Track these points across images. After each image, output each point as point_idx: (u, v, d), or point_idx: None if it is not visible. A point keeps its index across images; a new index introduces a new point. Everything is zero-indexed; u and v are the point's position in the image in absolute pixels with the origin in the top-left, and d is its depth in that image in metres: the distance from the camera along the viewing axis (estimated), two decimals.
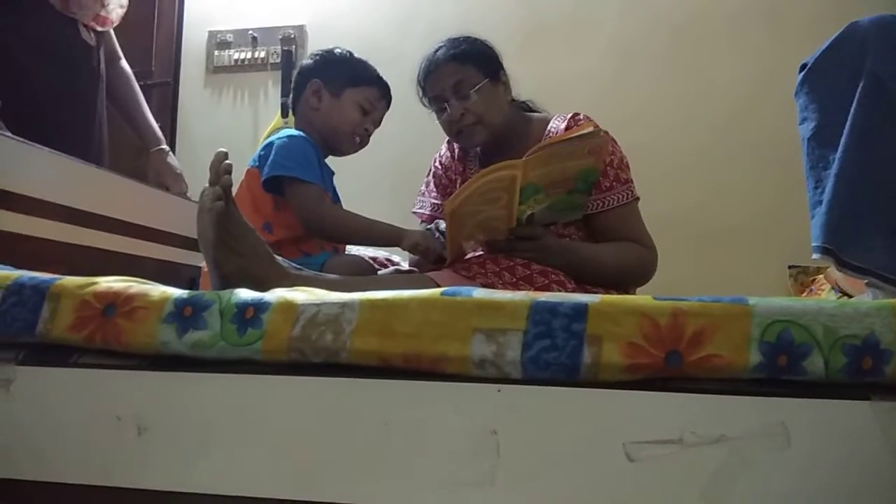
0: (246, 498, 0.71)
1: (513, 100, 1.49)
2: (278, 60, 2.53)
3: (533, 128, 1.45)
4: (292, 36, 2.55)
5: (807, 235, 1.88)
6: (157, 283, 0.84)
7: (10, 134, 1.26)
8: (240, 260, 0.88)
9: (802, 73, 1.04)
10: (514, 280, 1.21)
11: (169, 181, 1.73)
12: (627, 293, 1.39)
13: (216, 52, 2.62)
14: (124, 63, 1.79)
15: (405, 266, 1.39)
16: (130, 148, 1.92)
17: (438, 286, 1.07)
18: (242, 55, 2.59)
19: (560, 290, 1.22)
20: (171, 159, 1.77)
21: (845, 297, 1.79)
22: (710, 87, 2.28)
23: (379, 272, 1.31)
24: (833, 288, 1.98)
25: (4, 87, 1.36)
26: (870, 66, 0.96)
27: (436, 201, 1.56)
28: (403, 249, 1.26)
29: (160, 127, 2.47)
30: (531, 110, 1.54)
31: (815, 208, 1.02)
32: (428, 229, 1.38)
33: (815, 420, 0.61)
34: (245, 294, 0.77)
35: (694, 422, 0.63)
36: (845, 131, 0.97)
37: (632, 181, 1.41)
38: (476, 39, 1.43)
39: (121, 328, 0.77)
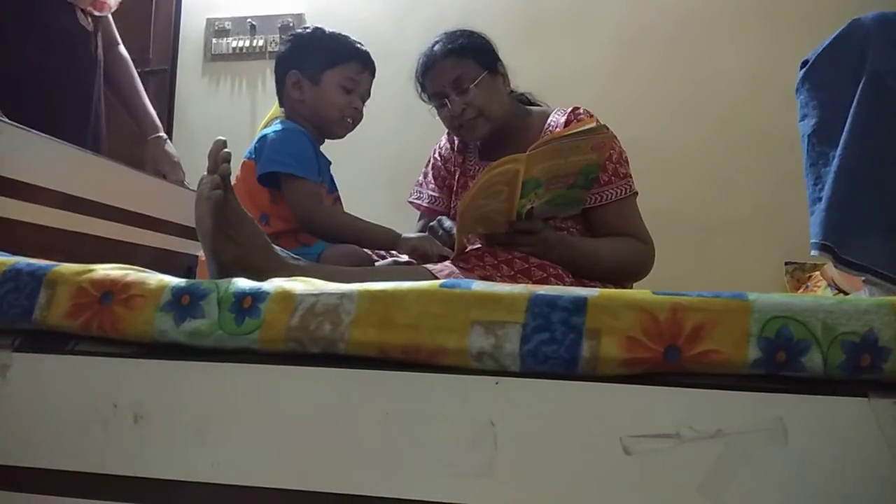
0: (243, 487, 0.71)
1: (511, 92, 1.48)
2: (276, 49, 2.51)
3: (532, 121, 1.45)
4: (291, 24, 2.53)
5: (804, 232, 1.88)
6: (154, 272, 0.83)
7: (6, 119, 1.25)
8: (237, 249, 0.88)
9: (803, 70, 1.04)
10: (513, 273, 1.21)
11: (166, 169, 1.72)
12: (625, 287, 1.39)
13: (214, 40, 2.60)
14: (122, 49, 1.78)
15: (403, 257, 1.38)
16: (128, 134, 1.91)
17: (436, 278, 1.07)
18: (240, 43, 2.58)
19: (558, 284, 1.22)
20: (169, 147, 1.76)
21: (841, 294, 1.80)
22: (710, 82, 2.27)
23: (377, 263, 1.30)
24: (829, 285, 1.98)
25: (0, 72, 1.34)
26: (871, 64, 0.96)
27: (433, 193, 1.56)
28: (400, 254, 1.25)
29: (157, 114, 2.46)
30: (530, 103, 1.54)
31: (814, 205, 1.02)
32: (431, 226, 1.37)
33: (812, 416, 0.61)
34: (243, 283, 0.77)
35: (692, 416, 0.63)
36: (846, 128, 0.97)
37: (630, 176, 1.41)
38: (472, 33, 1.43)
39: (118, 316, 0.76)
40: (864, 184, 0.95)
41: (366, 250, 1.31)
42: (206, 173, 0.87)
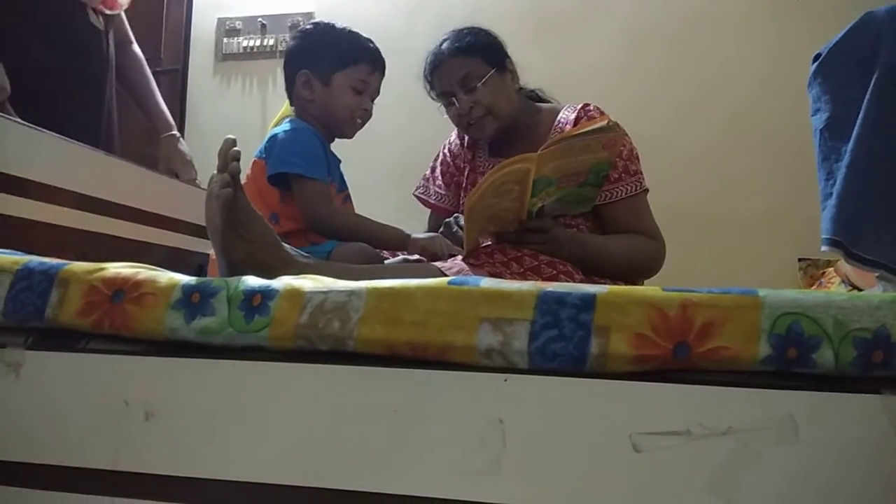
0: (252, 484, 0.71)
1: (521, 88, 1.48)
2: (287, 41, 2.53)
3: (542, 118, 1.44)
4: (301, 22, 2.53)
5: (817, 228, 1.86)
6: (165, 270, 0.84)
7: (19, 120, 1.26)
8: (247, 247, 0.88)
9: (815, 64, 1.03)
10: (522, 270, 1.20)
11: (179, 167, 1.73)
12: (635, 284, 1.38)
13: (225, 40, 2.61)
14: (136, 47, 1.79)
15: (414, 256, 1.38)
16: (141, 133, 1.92)
17: (445, 276, 1.07)
18: (251, 42, 2.59)
19: (568, 281, 1.22)
20: (182, 146, 1.77)
21: (855, 291, 1.78)
22: (719, 78, 2.26)
23: (386, 261, 1.30)
24: (843, 281, 1.96)
25: (12, 72, 1.35)
26: (884, 57, 0.95)
27: (440, 190, 1.55)
28: (410, 255, 1.25)
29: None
30: (540, 99, 1.53)
31: (826, 200, 1.01)
32: (447, 222, 1.37)
33: (823, 413, 0.60)
34: (252, 281, 0.77)
35: (701, 414, 0.63)
36: (858, 122, 0.96)
37: (641, 173, 1.40)
38: (480, 30, 1.42)
39: (129, 314, 0.77)
40: (876, 178, 0.94)
41: (375, 249, 1.32)
42: (216, 172, 0.88)
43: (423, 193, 1.57)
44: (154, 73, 2.56)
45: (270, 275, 0.85)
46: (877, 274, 0.96)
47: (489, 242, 1.30)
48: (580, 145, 1.18)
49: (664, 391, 0.64)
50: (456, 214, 1.41)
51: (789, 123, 2.14)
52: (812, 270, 2.13)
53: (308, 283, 0.76)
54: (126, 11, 1.75)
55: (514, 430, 0.67)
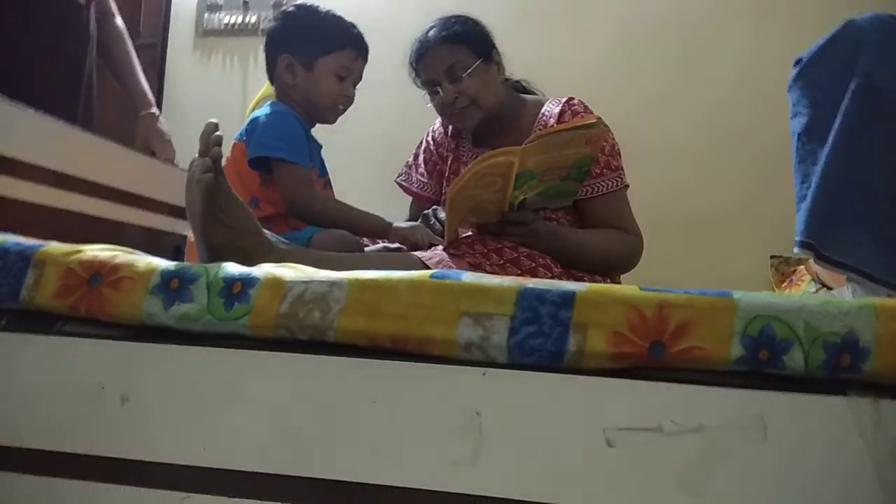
0: (229, 471, 0.71)
1: (506, 80, 1.48)
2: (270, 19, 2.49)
3: (526, 110, 1.45)
4: (284, 2, 2.50)
5: (789, 226, 1.89)
6: (143, 253, 0.83)
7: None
8: (227, 232, 0.87)
9: (796, 68, 1.04)
10: (502, 262, 1.21)
11: (157, 146, 1.71)
12: (612, 278, 1.40)
13: (206, 15, 2.57)
14: (119, 21, 1.75)
15: (394, 244, 1.38)
16: (120, 108, 1.88)
17: (426, 266, 1.07)
18: (233, 19, 2.55)
19: (546, 274, 1.23)
20: (161, 124, 1.74)
21: (825, 289, 1.82)
22: (698, 74, 2.27)
23: (367, 248, 1.30)
24: (813, 279, 2.01)
25: None
26: (863, 65, 0.97)
27: (422, 178, 1.55)
28: (390, 243, 1.25)
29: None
30: (525, 91, 1.53)
31: (800, 202, 1.03)
32: (425, 214, 1.37)
33: (792, 414, 0.62)
34: (232, 268, 0.77)
35: (674, 411, 0.64)
36: (835, 128, 0.98)
37: (622, 168, 1.41)
38: (468, 19, 1.42)
39: (106, 298, 0.76)
40: (849, 183, 0.96)
41: (356, 236, 1.31)
42: (197, 156, 0.87)
43: (405, 181, 1.57)
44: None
45: (250, 261, 0.84)
46: (847, 275, 0.98)
47: (469, 233, 1.30)
48: (564, 140, 1.19)
49: (638, 388, 0.65)
50: (435, 207, 1.41)
51: (765, 122, 2.16)
52: (783, 268, 2.18)
53: (289, 272, 0.76)
54: None
55: (492, 422, 0.68)
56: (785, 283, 2.18)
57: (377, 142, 2.39)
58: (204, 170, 0.84)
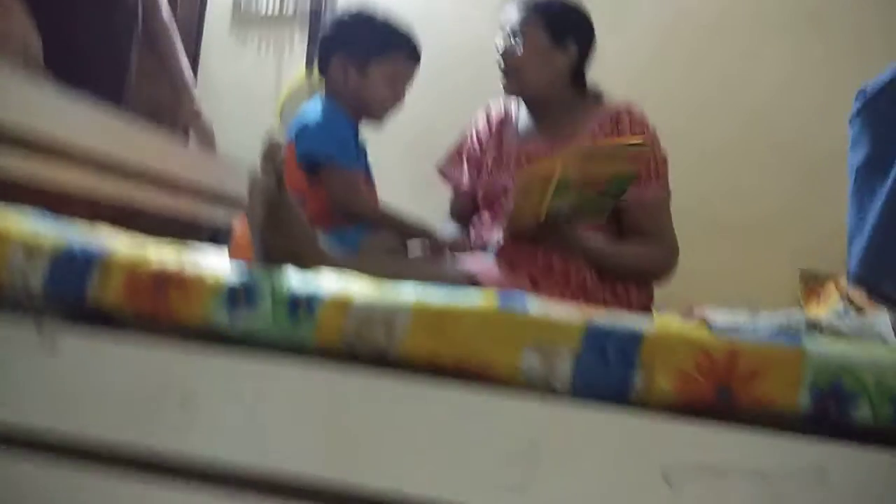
0: (289, 476, 0.72)
1: (579, 82, 1.43)
2: (306, 11, 2.48)
3: (582, 111, 1.41)
4: None
5: (821, 240, 1.87)
6: (205, 255, 0.84)
7: (52, 81, 1.24)
8: (286, 241, 0.88)
9: (859, 101, 1.04)
10: (536, 264, 1.22)
11: (200, 140, 1.72)
12: (647, 287, 1.39)
13: (243, 1, 2.56)
14: (165, 14, 1.75)
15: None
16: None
17: (472, 276, 1.07)
18: (269, 6, 2.54)
19: (579, 278, 1.23)
20: (205, 122, 1.75)
21: (854, 310, 1.80)
22: (737, 83, 2.24)
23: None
24: (842, 298, 2.00)
25: (46, 32, 1.33)
26: None
27: (462, 168, 1.51)
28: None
29: None
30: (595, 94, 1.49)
31: (855, 233, 1.03)
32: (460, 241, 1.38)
33: (855, 466, 0.63)
34: (298, 282, 0.78)
35: (735, 454, 0.65)
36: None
37: (667, 178, 1.39)
38: (567, 3, 1.39)
39: (172, 305, 0.77)
40: None
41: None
42: (258, 171, 0.87)
43: (445, 168, 1.55)
44: None
45: (305, 266, 0.86)
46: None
47: (501, 241, 1.30)
48: (607, 154, 1.18)
49: (701, 429, 0.66)
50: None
51: (801, 135, 2.15)
52: (812, 283, 2.16)
53: (355, 289, 0.76)
54: None
55: (548, 451, 0.69)
56: (813, 298, 2.17)
57: (413, 134, 2.37)
58: (267, 184, 0.85)
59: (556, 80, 1.38)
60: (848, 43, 2.17)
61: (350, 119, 1.30)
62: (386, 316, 0.73)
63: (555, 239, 1.24)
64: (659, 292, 1.44)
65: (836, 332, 1.52)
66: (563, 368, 0.68)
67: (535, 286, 1.16)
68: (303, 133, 1.25)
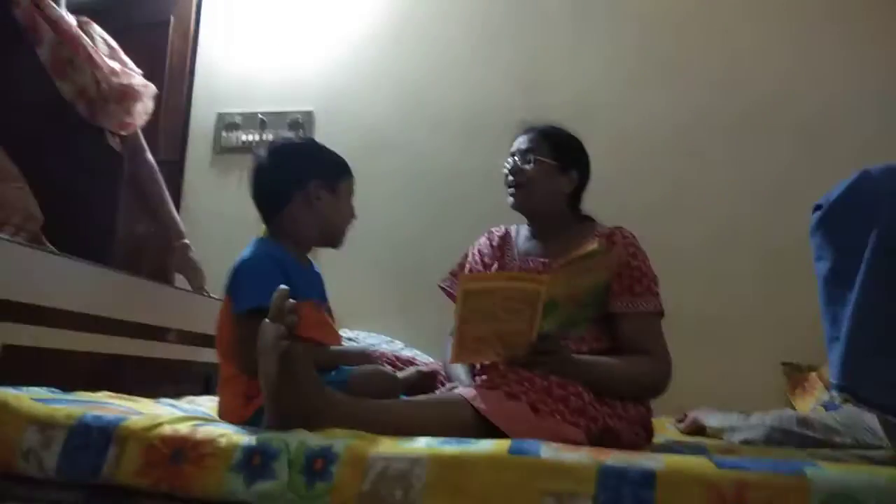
0: None
1: (576, 206, 1.54)
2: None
3: (578, 234, 1.49)
4: (300, 120, 2.61)
5: (799, 333, 1.91)
6: (220, 423, 0.85)
7: (53, 248, 1.27)
8: (298, 396, 0.90)
9: (817, 214, 1.11)
10: (535, 389, 1.24)
11: (189, 275, 1.75)
12: (641, 401, 1.42)
13: (224, 134, 2.67)
14: (149, 156, 1.82)
15: (424, 367, 1.39)
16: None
17: (471, 405, 1.08)
18: (250, 137, 2.65)
19: (578, 401, 1.25)
20: (193, 254, 1.79)
21: (840, 400, 1.83)
22: (712, 188, 2.37)
23: (400, 373, 1.31)
24: (827, 388, 2.04)
25: (46, 200, 1.38)
26: (881, 216, 1.03)
27: None
28: (423, 368, 1.26)
29: None
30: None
31: (831, 343, 1.07)
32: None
33: None
34: (312, 442, 0.79)
35: None
36: (861, 274, 1.03)
37: (658, 295, 1.44)
38: (572, 138, 1.53)
39: (188, 476, 0.78)
40: (880, 330, 1.01)
41: (389, 368, 1.32)
42: (267, 320, 0.90)
43: (449, 286, 1.60)
44: None
45: (317, 420, 0.87)
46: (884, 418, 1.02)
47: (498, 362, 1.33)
48: (584, 268, 1.23)
49: None
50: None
51: (773, 230, 2.26)
52: (795, 374, 2.21)
53: (369, 446, 0.78)
54: None
55: None
56: (797, 390, 2.21)
57: (389, 250, 2.44)
58: (280, 337, 0.87)
59: (558, 200, 1.50)
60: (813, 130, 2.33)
61: (284, 258, 1.25)
62: (402, 471, 0.74)
63: (550, 361, 1.27)
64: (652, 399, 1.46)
65: (827, 428, 1.56)
66: None
67: (536, 412, 1.17)
68: (234, 282, 1.20)
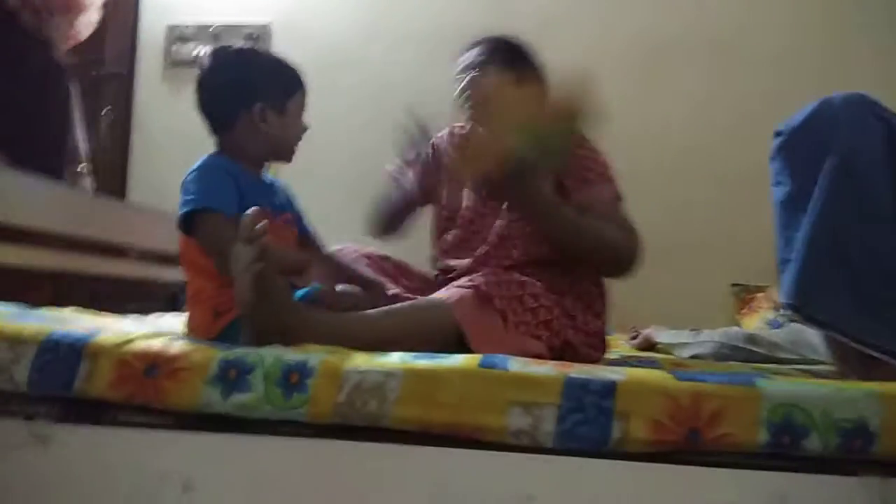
0: None
1: None
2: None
3: None
4: (256, 34, 2.51)
5: (750, 255, 1.98)
6: (193, 339, 0.86)
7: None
8: (272, 316, 0.90)
9: (778, 139, 1.14)
10: (508, 296, 1.23)
11: None
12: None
13: (175, 47, 2.55)
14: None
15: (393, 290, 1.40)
16: None
17: (450, 308, 1.09)
18: (202, 51, 2.54)
19: (546, 314, 1.24)
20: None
21: (786, 318, 1.92)
22: (671, 115, 2.39)
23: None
24: (774, 307, 2.15)
25: None
26: (839, 143, 1.07)
27: (413, 177, 1.53)
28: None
29: (114, 119, 2.41)
30: None
31: (783, 264, 1.13)
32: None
33: (811, 493, 0.71)
34: (288, 356, 0.81)
35: (707, 493, 0.72)
36: (815, 199, 1.08)
37: (614, 180, 1.40)
38: (524, 45, 1.47)
39: (163, 389, 0.79)
40: (831, 252, 1.06)
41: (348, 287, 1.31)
42: (240, 243, 0.89)
43: (397, 174, 1.56)
44: (98, 77, 2.50)
45: (292, 337, 0.88)
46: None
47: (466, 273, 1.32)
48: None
49: (676, 472, 0.72)
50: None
51: (732, 160, 2.30)
52: (743, 295, 2.32)
53: (344, 359, 0.80)
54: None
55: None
56: (745, 309, 2.33)
57: (346, 166, 2.41)
58: (252, 259, 0.87)
59: None
60: (771, 70, 2.35)
61: (230, 168, 1.21)
62: (377, 384, 0.77)
63: (522, 188, 1.22)
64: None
65: (773, 344, 1.65)
66: (548, 424, 0.74)
67: (505, 321, 1.19)
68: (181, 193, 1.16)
